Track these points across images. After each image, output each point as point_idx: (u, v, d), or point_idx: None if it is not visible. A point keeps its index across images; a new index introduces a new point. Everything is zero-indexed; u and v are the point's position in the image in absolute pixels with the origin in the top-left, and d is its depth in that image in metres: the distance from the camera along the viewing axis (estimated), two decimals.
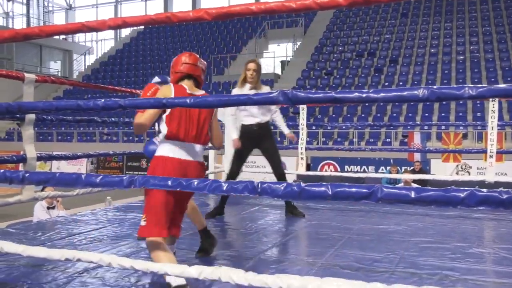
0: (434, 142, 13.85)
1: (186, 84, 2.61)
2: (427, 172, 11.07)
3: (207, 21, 1.91)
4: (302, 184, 1.73)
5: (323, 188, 1.68)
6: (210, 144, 2.86)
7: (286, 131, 4.98)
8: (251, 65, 4.38)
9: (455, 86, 1.53)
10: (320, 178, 10.23)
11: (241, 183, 1.84)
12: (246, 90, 4.35)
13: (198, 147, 2.57)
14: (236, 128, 4.51)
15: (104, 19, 2.02)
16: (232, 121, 4.54)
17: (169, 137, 2.49)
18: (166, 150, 2.49)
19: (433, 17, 21.72)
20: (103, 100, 2.12)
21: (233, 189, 1.84)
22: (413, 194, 1.53)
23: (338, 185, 1.66)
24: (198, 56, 2.72)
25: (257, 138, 4.51)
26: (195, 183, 1.92)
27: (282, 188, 1.76)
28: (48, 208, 6.38)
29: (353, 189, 1.63)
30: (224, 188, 1.87)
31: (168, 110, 2.46)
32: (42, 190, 4.81)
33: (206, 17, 1.88)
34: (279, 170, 4.59)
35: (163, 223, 2.41)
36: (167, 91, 2.51)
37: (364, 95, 1.68)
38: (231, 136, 4.57)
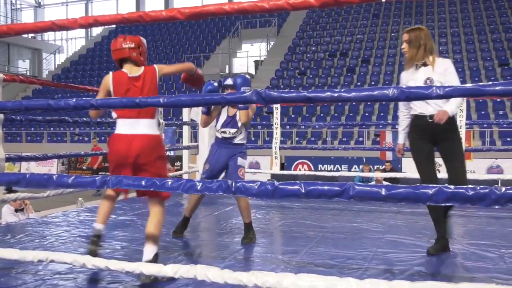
0: (406, 141, 14.11)
1: (126, 68, 2.71)
2: (399, 170, 11.28)
3: (180, 20, 1.91)
4: (276, 183, 1.75)
5: (296, 187, 1.70)
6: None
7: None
8: (403, 37, 3.23)
9: (424, 86, 1.58)
10: (294, 177, 10.30)
11: (215, 183, 1.85)
12: (417, 71, 3.19)
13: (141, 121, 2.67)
14: (403, 131, 3.51)
15: (75, 17, 1.99)
16: (402, 119, 3.46)
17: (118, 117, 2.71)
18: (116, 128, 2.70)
19: (403, 18, 22.13)
20: (74, 100, 2.09)
21: (207, 189, 1.85)
22: (383, 191, 1.57)
23: (311, 183, 1.69)
24: (124, 37, 2.74)
25: (434, 134, 3.24)
26: (169, 182, 1.92)
27: (256, 187, 1.77)
28: (16, 210, 6.22)
29: (326, 187, 1.66)
30: (198, 187, 1.87)
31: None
32: (8, 192, 4.69)
33: (179, 17, 1.88)
34: (456, 182, 2.99)
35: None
36: (105, 80, 2.70)
37: (336, 94, 1.71)
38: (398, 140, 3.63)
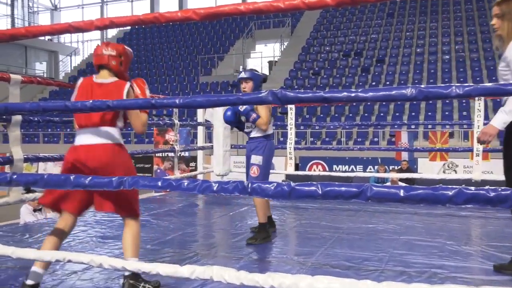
0: (421, 141, 13.97)
1: (99, 75, 2.52)
2: (414, 171, 11.18)
3: (195, 21, 1.91)
4: (292, 184, 1.74)
5: (313, 188, 1.69)
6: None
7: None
8: (493, 10, 2.71)
9: (442, 85, 1.55)
10: (309, 177, 10.27)
11: (231, 183, 1.85)
12: None
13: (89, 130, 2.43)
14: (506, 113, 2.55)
15: (91, 19, 2.01)
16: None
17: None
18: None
19: (418, 17, 21.92)
20: (91, 101, 2.11)
21: (223, 189, 1.84)
22: (402, 193, 1.55)
23: (328, 185, 1.67)
24: (107, 43, 2.54)
25: None
26: (185, 183, 1.92)
27: (272, 188, 1.76)
28: (34, 210, 6.31)
29: (343, 188, 1.64)
30: (214, 188, 1.86)
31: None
32: (26, 192, 4.76)
33: (194, 17, 1.88)
34: None
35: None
36: (77, 83, 2.54)
37: (353, 94, 1.69)
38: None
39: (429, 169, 11.52)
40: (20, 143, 3.44)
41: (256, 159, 3.64)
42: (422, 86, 1.62)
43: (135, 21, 1.99)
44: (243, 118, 3.74)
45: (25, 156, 3.54)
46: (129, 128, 2.67)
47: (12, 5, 32.57)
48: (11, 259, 2.74)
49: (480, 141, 2.64)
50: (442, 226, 4.19)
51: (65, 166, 2.43)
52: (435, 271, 2.80)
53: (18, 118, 3.41)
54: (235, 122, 3.80)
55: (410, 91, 1.60)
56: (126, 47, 2.58)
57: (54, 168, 17.38)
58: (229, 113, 3.76)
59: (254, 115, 3.56)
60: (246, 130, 3.77)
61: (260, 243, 3.52)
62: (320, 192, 1.67)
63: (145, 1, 32.40)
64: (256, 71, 3.76)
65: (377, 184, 1.62)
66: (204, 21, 2.00)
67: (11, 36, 2.17)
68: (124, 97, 2.41)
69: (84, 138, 2.42)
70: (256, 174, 3.62)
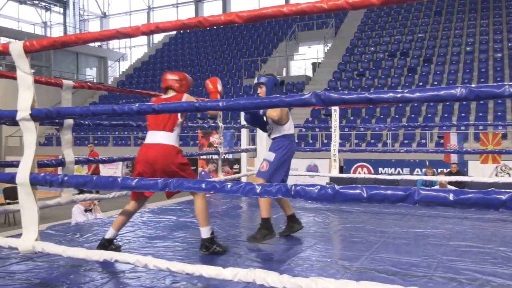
0: (472, 143, 13.46)
1: (166, 93, 3.40)
2: (465, 174, 10.77)
3: (239, 24, 1.92)
4: (336, 187, 1.71)
5: (358, 191, 1.65)
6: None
7: None
8: None
9: (494, 84, 1.48)
10: (354, 180, 10.10)
11: (274, 186, 1.84)
12: None
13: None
14: None
15: (137, 25, 2.06)
16: None
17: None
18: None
19: (468, 14, 21.16)
20: (137, 105, 2.16)
21: (267, 192, 1.84)
22: (451, 197, 1.49)
23: (373, 188, 1.64)
24: (172, 72, 3.46)
25: None
26: (229, 186, 1.93)
27: (316, 190, 1.74)
28: (86, 210, 6.54)
29: (389, 192, 1.60)
30: (258, 191, 1.86)
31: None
32: (79, 193, 4.96)
33: (237, 21, 1.89)
34: None
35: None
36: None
37: (399, 95, 1.65)
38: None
39: (480, 172, 11.08)
40: (71, 146, 3.57)
41: (269, 155, 3.69)
42: (473, 85, 1.55)
43: (180, 26, 2.03)
44: (264, 118, 3.84)
45: (76, 159, 3.68)
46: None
47: (64, 14, 34.02)
48: (62, 258, 2.85)
49: None
50: (494, 231, 4.02)
51: (137, 158, 3.27)
52: (487, 279, 2.68)
53: (70, 122, 3.54)
54: (256, 122, 3.93)
55: (459, 90, 1.54)
56: (186, 74, 3.45)
57: (104, 170, 17.98)
58: (247, 114, 3.96)
59: (261, 110, 3.66)
60: (267, 131, 3.88)
61: (261, 241, 3.57)
62: (365, 196, 1.63)
63: (190, 6, 33.01)
64: (272, 75, 3.90)
65: (425, 188, 1.57)
66: (247, 23, 2.01)
67: (63, 44, 2.25)
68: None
69: (148, 138, 3.25)
70: (265, 169, 3.65)
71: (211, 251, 3.23)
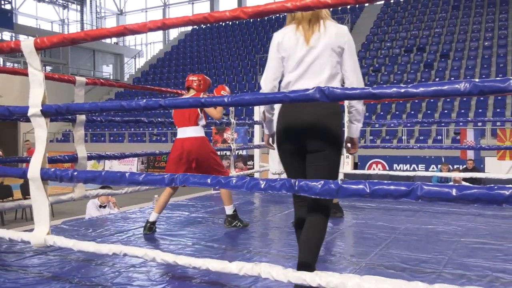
0: (489, 139, 13.27)
1: (188, 93, 4.06)
2: (481, 170, 10.63)
3: (244, 19, 1.93)
4: (340, 182, 1.71)
5: (361, 186, 1.65)
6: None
7: None
8: None
9: (499, 78, 1.47)
10: (367, 176, 10.04)
11: (278, 181, 1.85)
12: None
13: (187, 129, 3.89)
14: None
15: (144, 22, 2.08)
16: None
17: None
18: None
19: (486, 9, 20.81)
20: (144, 101, 2.18)
21: (271, 187, 1.84)
22: (454, 192, 1.48)
23: (376, 183, 1.63)
24: (193, 74, 4.09)
25: None
26: (234, 181, 1.94)
27: (320, 186, 1.75)
28: (100, 206, 6.63)
29: (392, 187, 1.59)
30: (262, 186, 1.87)
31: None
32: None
33: (242, 16, 1.89)
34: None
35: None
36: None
37: (402, 90, 1.64)
38: None
39: (497, 168, 10.92)
40: (83, 142, 3.62)
41: None
42: (477, 79, 1.53)
43: (186, 22, 2.04)
44: None
45: (89, 154, 3.73)
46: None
47: (82, 11, 34.40)
48: (74, 252, 2.90)
49: None
50: (508, 228, 3.96)
51: (172, 152, 3.90)
52: (497, 275, 2.65)
53: (82, 118, 3.59)
54: None
55: (463, 85, 1.53)
56: (205, 76, 4.04)
57: (119, 166, 18.18)
58: None
59: None
60: None
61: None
62: (368, 191, 1.63)
63: (205, 2, 33.09)
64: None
65: (428, 183, 1.56)
66: (252, 19, 2.01)
67: (72, 40, 2.29)
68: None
69: (180, 134, 3.88)
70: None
71: (233, 225, 3.98)
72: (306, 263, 2.07)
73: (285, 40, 2.24)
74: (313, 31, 2.19)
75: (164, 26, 2.01)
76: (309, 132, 2.16)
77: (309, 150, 2.20)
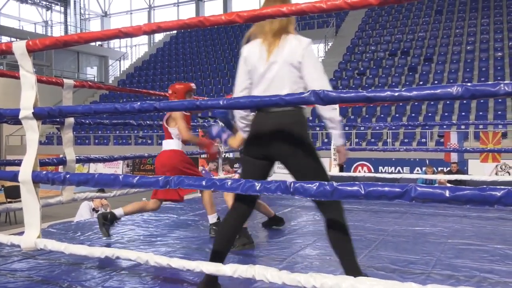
0: (472, 142, 13.49)
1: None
2: (465, 172, 10.79)
3: (239, 24, 1.94)
4: (335, 184, 1.73)
5: (355, 188, 1.68)
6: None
7: None
8: None
9: (490, 83, 1.51)
10: (354, 179, 10.12)
11: (274, 183, 1.86)
12: None
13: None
14: None
15: (139, 25, 2.08)
16: None
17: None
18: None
19: (469, 13, 21.18)
20: (139, 103, 2.18)
21: (266, 189, 1.86)
22: (447, 193, 1.51)
23: (371, 184, 1.66)
24: (177, 83, 4.04)
25: None
26: (229, 183, 1.95)
27: (315, 187, 1.77)
28: (93, 209, 6.58)
29: (386, 188, 1.62)
30: (257, 188, 1.89)
31: None
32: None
33: (238, 20, 1.91)
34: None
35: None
36: None
37: (396, 93, 1.67)
38: None
39: (480, 171, 11.11)
40: (72, 144, 3.60)
41: None
42: (469, 84, 1.58)
43: (181, 25, 2.05)
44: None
45: (77, 157, 3.70)
46: None
47: (65, 13, 34.05)
48: (63, 256, 2.88)
49: None
50: (493, 229, 4.04)
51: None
52: (485, 276, 2.70)
53: (70, 120, 3.56)
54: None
55: (456, 89, 1.57)
56: (179, 82, 4.01)
57: (104, 169, 18.03)
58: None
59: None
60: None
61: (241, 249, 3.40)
62: (362, 192, 1.66)
63: (190, 5, 33.04)
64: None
65: (422, 184, 1.59)
66: (248, 23, 2.03)
67: (65, 43, 2.28)
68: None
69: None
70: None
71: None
72: (350, 269, 2.20)
73: (250, 54, 2.31)
74: (275, 45, 2.24)
75: (159, 29, 2.02)
76: (273, 138, 2.22)
77: (275, 157, 2.28)
